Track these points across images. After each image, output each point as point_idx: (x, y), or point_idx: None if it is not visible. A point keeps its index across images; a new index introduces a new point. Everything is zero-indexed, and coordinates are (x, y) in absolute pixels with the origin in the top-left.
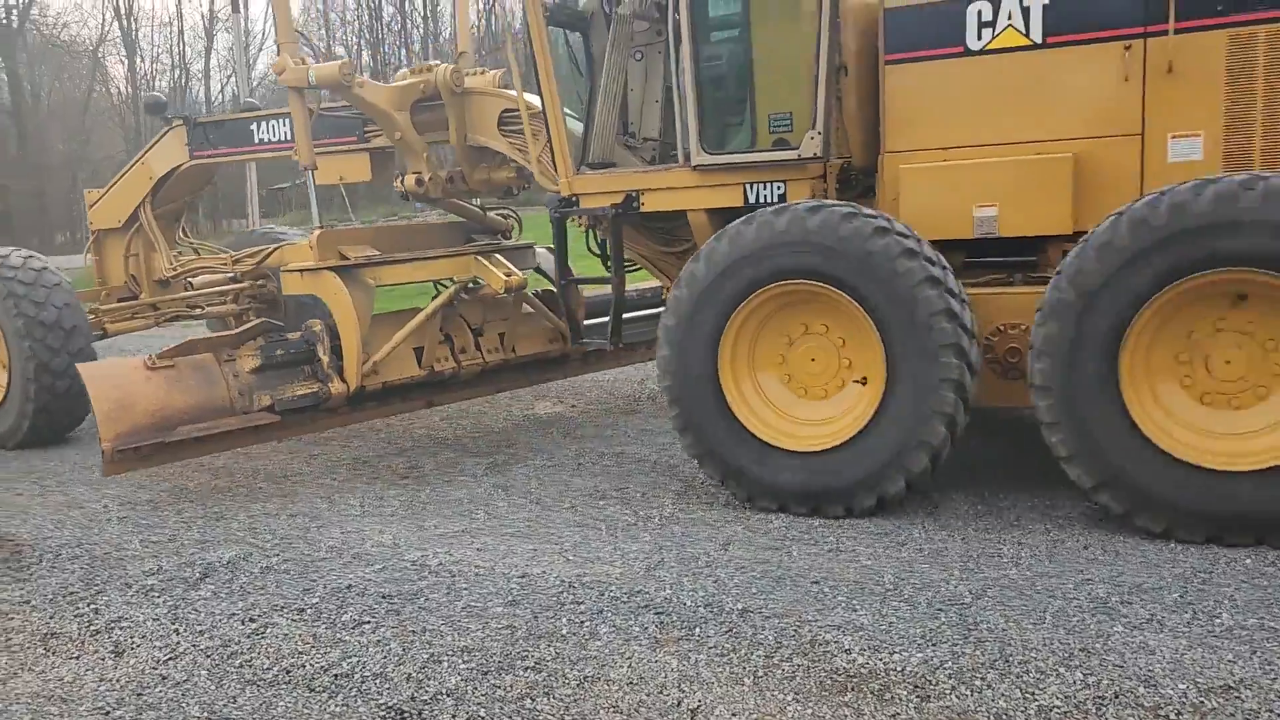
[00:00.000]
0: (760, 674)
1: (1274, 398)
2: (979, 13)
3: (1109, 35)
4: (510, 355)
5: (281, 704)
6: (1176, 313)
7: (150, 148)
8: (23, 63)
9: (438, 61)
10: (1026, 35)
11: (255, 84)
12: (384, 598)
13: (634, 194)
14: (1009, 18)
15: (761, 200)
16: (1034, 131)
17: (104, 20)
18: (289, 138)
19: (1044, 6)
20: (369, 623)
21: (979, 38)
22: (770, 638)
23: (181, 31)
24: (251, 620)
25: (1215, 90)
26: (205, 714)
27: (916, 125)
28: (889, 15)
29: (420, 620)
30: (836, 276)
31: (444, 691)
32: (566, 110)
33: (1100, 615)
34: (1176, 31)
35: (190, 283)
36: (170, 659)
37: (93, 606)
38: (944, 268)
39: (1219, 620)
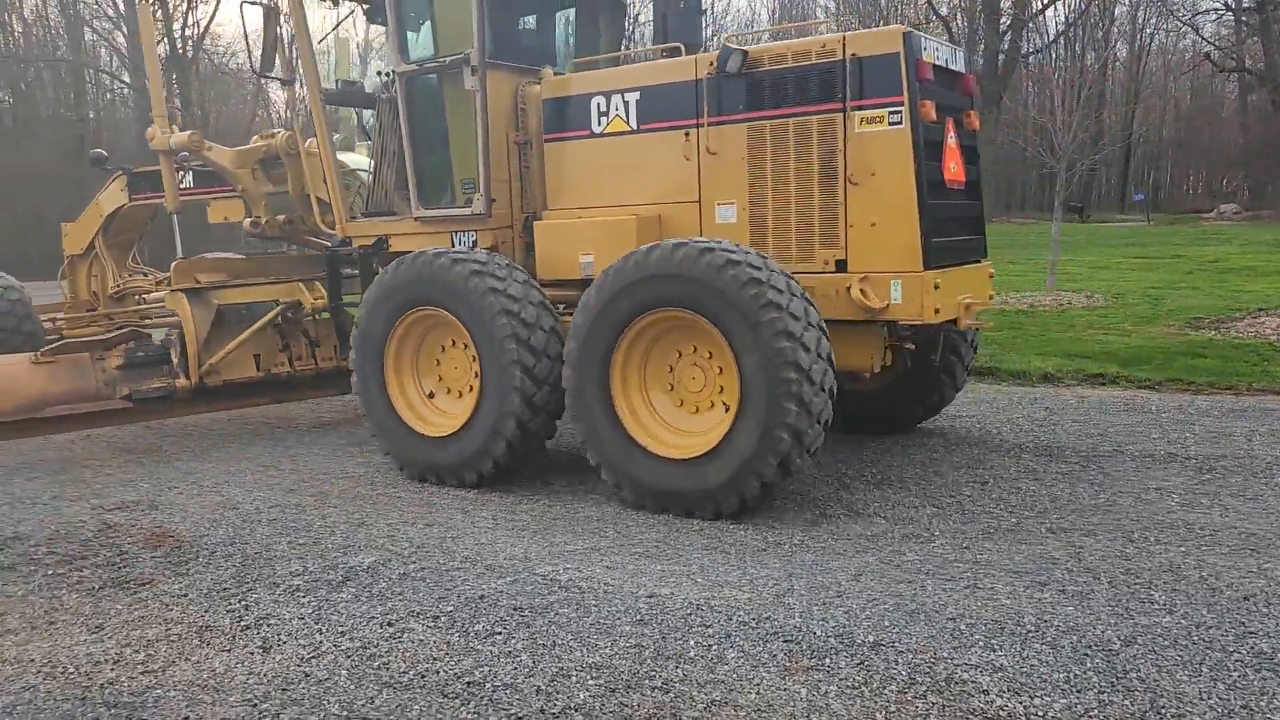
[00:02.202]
0: (893, 710)
1: (716, 409)
2: (598, 104)
3: (676, 125)
4: (343, 362)
5: (416, 707)
6: (658, 339)
7: (101, 192)
8: (194, 89)
9: (280, 130)
10: (628, 122)
11: None
12: (515, 610)
13: (384, 237)
14: (617, 108)
15: (463, 245)
16: (630, 198)
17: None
18: (192, 185)
19: (637, 101)
20: (500, 633)
21: (599, 124)
22: (903, 673)
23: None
24: (389, 624)
25: (741, 169)
26: (345, 713)
27: (562, 190)
28: (545, 104)
29: (550, 634)
30: (450, 308)
31: (572, 706)
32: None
33: (1265, 671)
34: (710, 124)
35: (144, 298)
36: (313, 657)
37: (243, 603)
38: (531, 303)
39: None
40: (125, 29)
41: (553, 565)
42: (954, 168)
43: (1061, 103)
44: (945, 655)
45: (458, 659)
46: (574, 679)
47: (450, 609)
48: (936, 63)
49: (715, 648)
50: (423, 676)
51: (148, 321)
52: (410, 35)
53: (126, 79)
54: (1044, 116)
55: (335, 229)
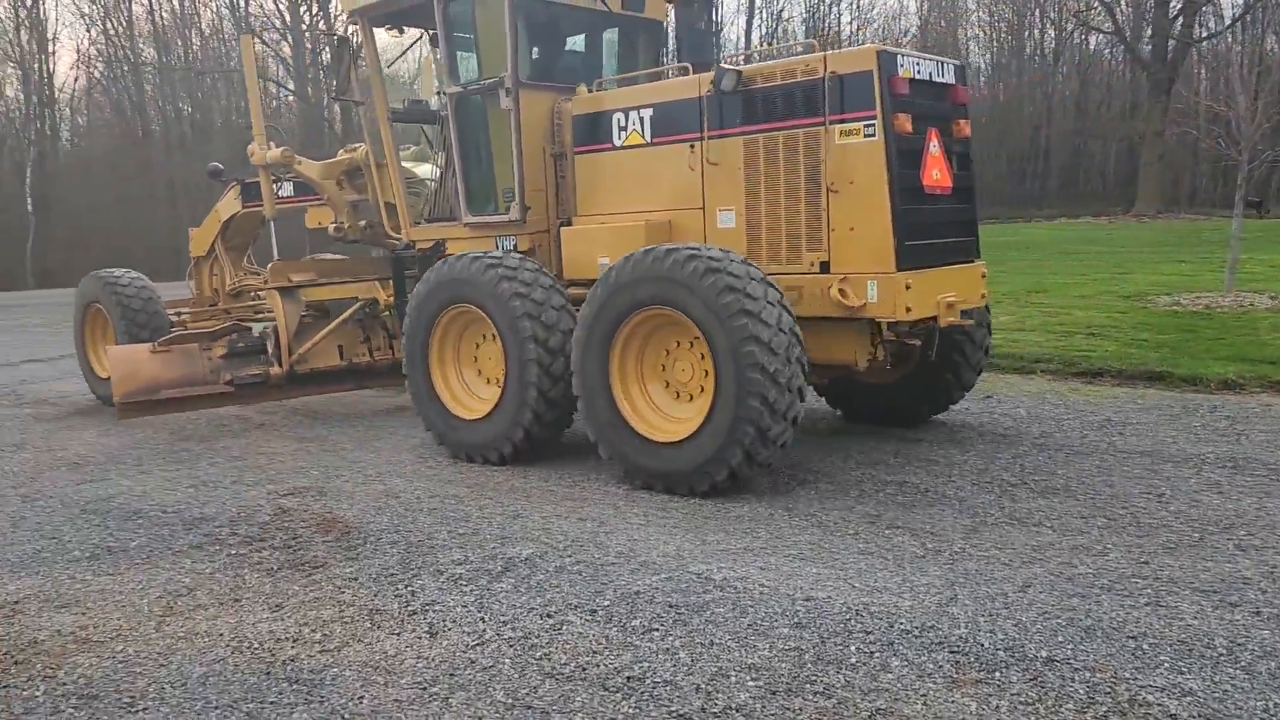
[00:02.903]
0: None
1: (697, 400)
2: (618, 120)
3: (683, 138)
4: None
5: (579, 699)
6: (653, 332)
7: (220, 200)
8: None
9: (360, 144)
10: (643, 136)
11: None
12: (671, 607)
13: (442, 241)
14: (634, 123)
15: (505, 248)
16: (645, 204)
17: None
18: (292, 194)
19: (650, 116)
20: (658, 630)
21: (619, 137)
22: (1081, 691)
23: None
24: (548, 616)
25: (738, 178)
26: (510, 700)
27: (589, 198)
28: (574, 119)
29: (707, 633)
30: (483, 306)
31: (733, 706)
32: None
33: None
34: (710, 137)
35: (258, 294)
36: (478, 644)
37: (410, 589)
38: (552, 306)
39: None
40: (291, 39)
41: (706, 564)
42: (936, 174)
43: (1242, 90)
44: (1127, 675)
45: (616, 653)
46: (733, 679)
47: (607, 603)
48: (917, 77)
49: (877, 655)
50: (584, 669)
51: (259, 315)
52: (460, 58)
53: (291, 86)
54: (1221, 105)
55: (401, 233)
